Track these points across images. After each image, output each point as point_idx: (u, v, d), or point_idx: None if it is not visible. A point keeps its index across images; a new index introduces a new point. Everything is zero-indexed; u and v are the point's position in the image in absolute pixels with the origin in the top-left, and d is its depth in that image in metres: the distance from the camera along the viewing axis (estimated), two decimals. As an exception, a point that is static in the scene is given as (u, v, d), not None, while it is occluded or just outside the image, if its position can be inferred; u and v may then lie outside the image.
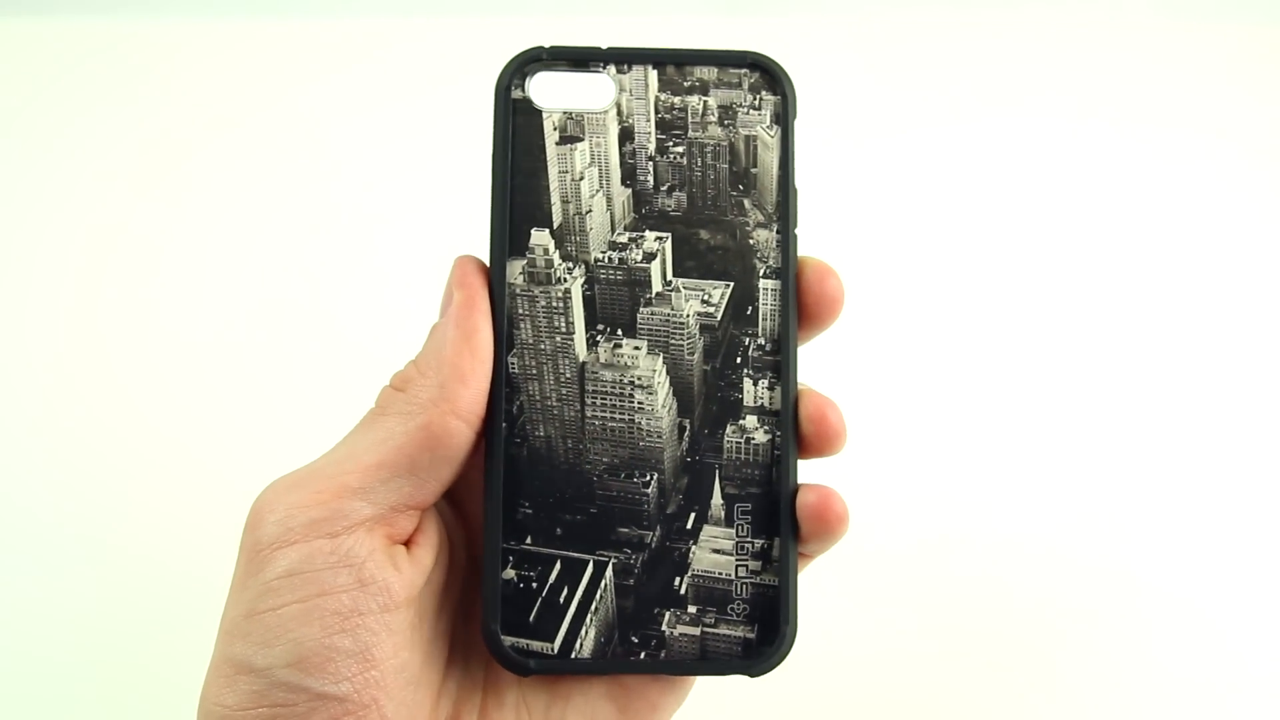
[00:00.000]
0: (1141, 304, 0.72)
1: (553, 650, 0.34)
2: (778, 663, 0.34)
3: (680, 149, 0.35)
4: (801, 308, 0.35)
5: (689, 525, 0.35)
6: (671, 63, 0.36)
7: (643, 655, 0.34)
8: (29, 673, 0.64)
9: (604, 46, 0.35)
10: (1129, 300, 0.72)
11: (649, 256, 0.35)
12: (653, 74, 0.35)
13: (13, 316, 0.73)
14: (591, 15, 0.74)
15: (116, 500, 0.68)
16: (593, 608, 0.34)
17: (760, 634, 0.34)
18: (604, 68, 0.35)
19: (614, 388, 0.35)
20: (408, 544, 0.33)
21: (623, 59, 0.35)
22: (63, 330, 0.73)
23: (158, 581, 0.65)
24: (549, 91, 0.35)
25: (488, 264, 0.35)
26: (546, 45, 0.35)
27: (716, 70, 0.36)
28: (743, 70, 0.36)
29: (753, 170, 0.35)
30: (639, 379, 0.35)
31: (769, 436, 0.35)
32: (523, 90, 0.35)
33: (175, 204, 0.74)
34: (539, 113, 0.35)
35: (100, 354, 0.72)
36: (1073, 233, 0.73)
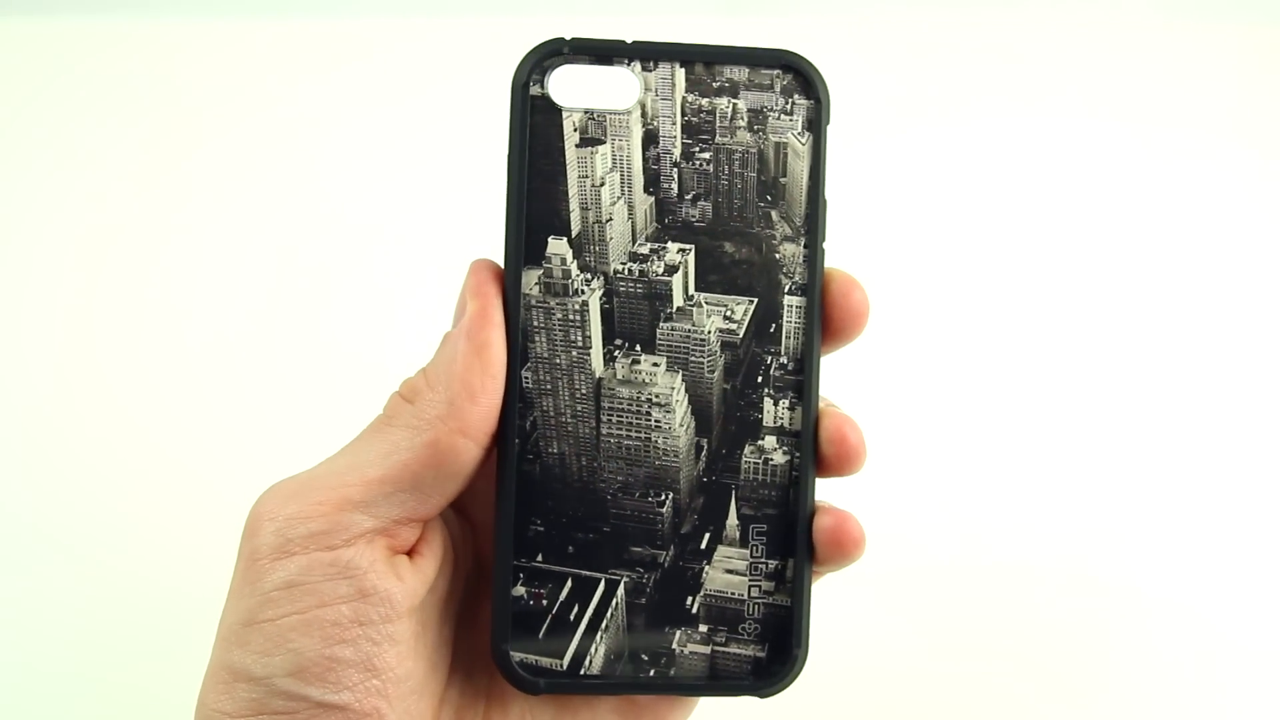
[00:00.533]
0: (1160, 310, 0.71)
1: (562, 668, 0.33)
2: (788, 684, 0.34)
3: (707, 155, 0.34)
4: (825, 321, 0.34)
5: (703, 545, 0.34)
6: (700, 60, 0.33)
7: (653, 674, 0.34)
8: (27, 676, 0.64)
9: (629, 41, 0.33)
10: (1147, 307, 0.71)
11: (671, 269, 0.34)
12: (680, 72, 0.33)
13: (9, 317, 0.71)
14: (589, 15, 0.71)
15: (115, 503, 0.67)
16: (603, 626, 0.34)
17: (771, 655, 0.34)
18: (629, 64, 0.33)
19: (631, 405, 0.34)
20: (411, 553, 0.32)
21: (649, 55, 0.33)
22: (61, 331, 0.71)
23: (155, 584, 0.65)
24: (569, 88, 0.33)
25: (504, 269, 0.33)
26: (568, 37, 0.33)
27: (747, 70, 0.34)
28: (775, 71, 0.34)
29: (782, 180, 0.34)
30: (657, 396, 0.34)
31: (788, 457, 0.34)
32: (542, 86, 0.33)
33: (175, 205, 0.72)
34: (559, 111, 0.33)
35: (99, 355, 0.70)
36: (1083, 239, 0.72)
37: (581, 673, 0.33)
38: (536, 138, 0.33)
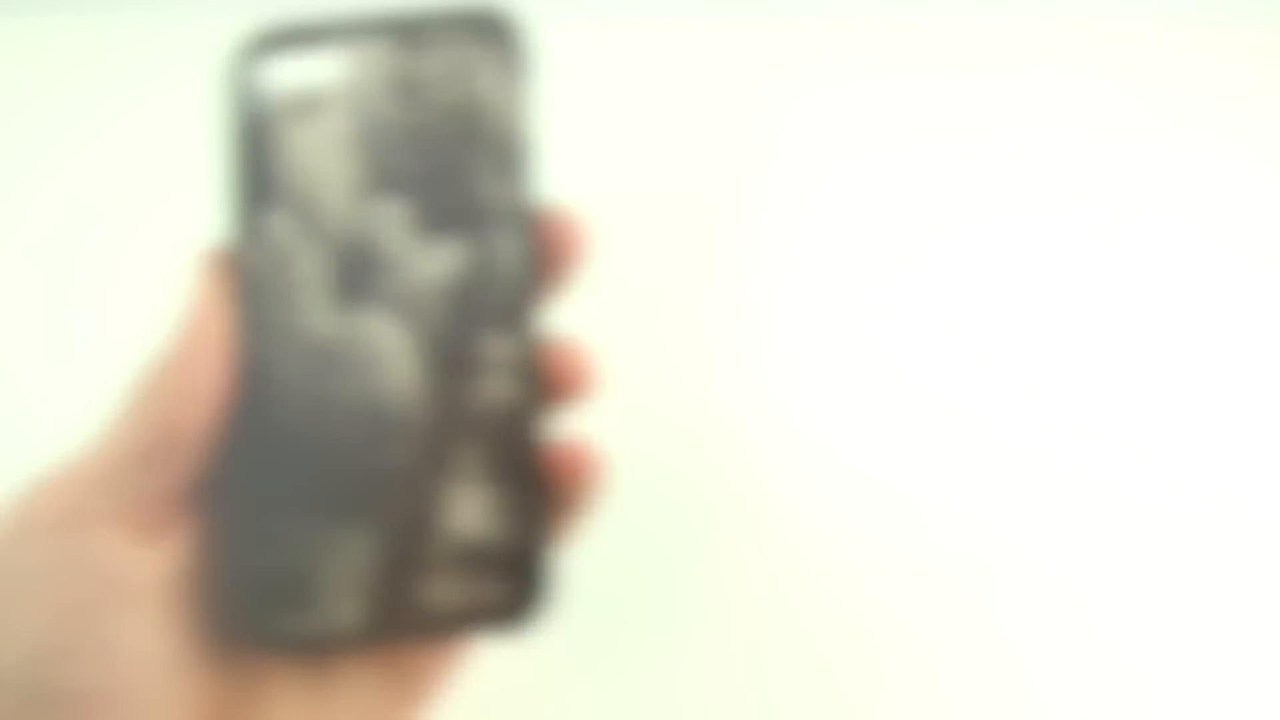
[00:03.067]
0: (1143, 307, 0.69)
1: (306, 626, 0.33)
2: (535, 619, 0.33)
3: (416, 116, 0.35)
4: (542, 255, 0.35)
5: (439, 488, 0.34)
6: (403, 29, 0.36)
7: (400, 623, 0.34)
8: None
9: (331, 21, 0.36)
10: (1128, 301, 0.69)
11: (386, 224, 0.35)
12: (385, 43, 0.35)
13: (8, 315, 0.73)
14: (588, 15, 0.74)
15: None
16: (345, 578, 0.34)
17: (516, 590, 0.34)
18: (335, 42, 0.35)
19: (354, 357, 0.34)
20: (155, 532, 0.32)
21: (351, 30, 0.36)
22: (60, 330, 0.73)
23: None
24: (280, 73, 0.35)
25: (225, 249, 0.35)
26: (273, 25, 0.36)
27: (450, 30, 0.36)
28: (475, 27, 0.35)
29: (489, 128, 0.35)
30: (380, 347, 0.34)
31: (513, 391, 0.34)
32: (252, 74, 0.35)
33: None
34: (270, 95, 0.35)
35: (96, 353, 0.70)
36: (1072, 233, 0.71)
37: (327, 628, 0.33)
38: (248, 121, 0.35)
